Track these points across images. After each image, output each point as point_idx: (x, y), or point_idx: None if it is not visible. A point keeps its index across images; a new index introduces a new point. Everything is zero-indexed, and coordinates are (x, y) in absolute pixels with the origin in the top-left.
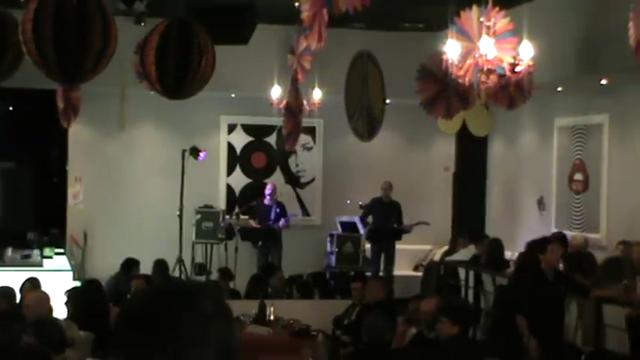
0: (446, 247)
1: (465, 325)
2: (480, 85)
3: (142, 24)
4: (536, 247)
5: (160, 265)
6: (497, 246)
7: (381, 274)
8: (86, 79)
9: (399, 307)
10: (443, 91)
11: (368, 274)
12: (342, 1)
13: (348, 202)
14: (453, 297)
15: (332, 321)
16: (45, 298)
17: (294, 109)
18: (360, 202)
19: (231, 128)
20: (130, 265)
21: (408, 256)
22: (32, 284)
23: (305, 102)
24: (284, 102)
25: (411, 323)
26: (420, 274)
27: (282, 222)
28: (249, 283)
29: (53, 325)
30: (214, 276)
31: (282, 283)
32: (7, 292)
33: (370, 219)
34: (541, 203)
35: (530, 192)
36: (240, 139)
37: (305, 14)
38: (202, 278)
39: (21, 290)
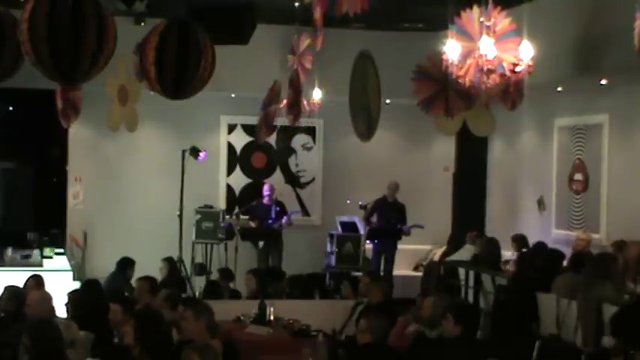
0: (445, 247)
1: (467, 326)
2: (481, 85)
3: (142, 24)
4: None
5: (169, 262)
6: (493, 245)
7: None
8: (84, 79)
9: (399, 308)
10: (441, 91)
11: None
12: (345, 3)
13: (348, 202)
14: (454, 298)
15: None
16: (47, 298)
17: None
18: (360, 202)
19: (231, 128)
20: (126, 264)
21: (408, 256)
22: (36, 281)
23: (305, 102)
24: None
25: (414, 319)
26: (420, 274)
27: (284, 220)
28: (257, 283)
29: (50, 327)
30: (214, 276)
31: (283, 286)
32: (16, 292)
33: (375, 218)
34: (541, 203)
35: (530, 192)
36: (240, 139)
37: (317, 15)
38: (202, 278)
39: (24, 287)
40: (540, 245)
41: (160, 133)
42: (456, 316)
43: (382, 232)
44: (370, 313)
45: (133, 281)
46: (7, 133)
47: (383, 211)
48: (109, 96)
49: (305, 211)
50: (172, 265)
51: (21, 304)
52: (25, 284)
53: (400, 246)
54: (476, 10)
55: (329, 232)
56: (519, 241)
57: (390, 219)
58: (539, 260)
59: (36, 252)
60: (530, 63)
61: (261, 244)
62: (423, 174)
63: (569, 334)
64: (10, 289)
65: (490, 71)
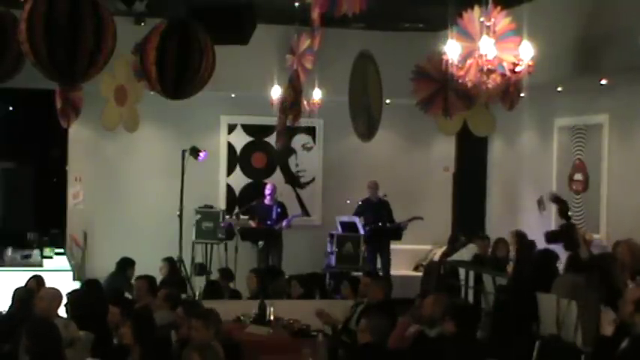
0: (445, 247)
1: (460, 323)
2: (481, 85)
3: (142, 24)
4: None
5: (169, 262)
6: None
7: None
8: (82, 79)
9: (399, 308)
10: (440, 91)
11: None
12: (346, 3)
13: (348, 202)
14: (453, 297)
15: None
16: (59, 295)
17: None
18: (348, 201)
19: (231, 128)
20: (126, 264)
21: (408, 256)
22: (36, 282)
23: (305, 102)
24: (279, 101)
25: (413, 320)
26: (420, 274)
27: (284, 223)
28: (259, 282)
29: (49, 326)
30: (214, 276)
31: (282, 285)
32: (25, 293)
33: (362, 220)
34: (541, 203)
35: (530, 192)
36: (240, 139)
37: (314, 15)
38: (202, 278)
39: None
40: (530, 244)
41: (160, 133)
42: (452, 315)
43: (377, 233)
44: (370, 312)
45: (133, 281)
46: (7, 133)
47: (371, 212)
48: (104, 96)
49: (305, 211)
50: (172, 265)
51: (28, 305)
52: (26, 285)
53: (400, 246)
54: (477, 10)
55: (329, 232)
56: (519, 237)
57: (381, 218)
58: (532, 260)
59: (36, 252)
60: (530, 63)
61: (260, 243)
62: (423, 174)
63: (569, 334)
64: (20, 291)
65: (490, 71)
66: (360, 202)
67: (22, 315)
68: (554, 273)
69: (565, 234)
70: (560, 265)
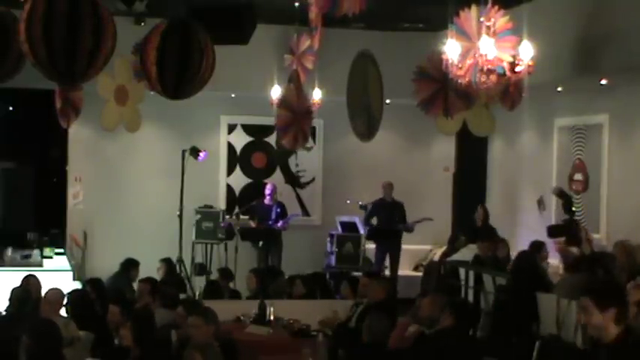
0: (445, 247)
1: (459, 317)
2: (480, 85)
3: (142, 24)
4: None
5: (167, 262)
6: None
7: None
8: (82, 79)
9: (399, 308)
10: (440, 91)
11: None
12: (346, 3)
13: (348, 202)
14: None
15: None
16: (62, 295)
17: (292, 106)
18: (360, 202)
19: (231, 128)
20: (130, 265)
21: (408, 256)
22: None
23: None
24: (277, 98)
25: (413, 320)
26: (420, 274)
27: (280, 223)
28: (258, 282)
29: (51, 326)
30: (214, 276)
31: (282, 285)
32: (23, 292)
33: (375, 220)
34: (541, 203)
35: (530, 192)
36: (240, 139)
37: (313, 14)
38: (202, 278)
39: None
40: (539, 245)
41: (160, 133)
42: (450, 310)
43: (388, 233)
44: (369, 312)
45: (136, 283)
46: (7, 133)
47: (385, 212)
48: (103, 96)
49: (305, 211)
50: (170, 265)
51: (26, 305)
52: (22, 284)
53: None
54: (474, 9)
55: (329, 232)
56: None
57: (394, 218)
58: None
59: (36, 252)
60: (530, 63)
61: (260, 244)
62: (423, 174)
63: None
64: (17, 291)
65: (490, 71)
66: (360, 203)
67: (20, 315)
68: (542, 272)
69: (567, 229)
70: (555, 263)
